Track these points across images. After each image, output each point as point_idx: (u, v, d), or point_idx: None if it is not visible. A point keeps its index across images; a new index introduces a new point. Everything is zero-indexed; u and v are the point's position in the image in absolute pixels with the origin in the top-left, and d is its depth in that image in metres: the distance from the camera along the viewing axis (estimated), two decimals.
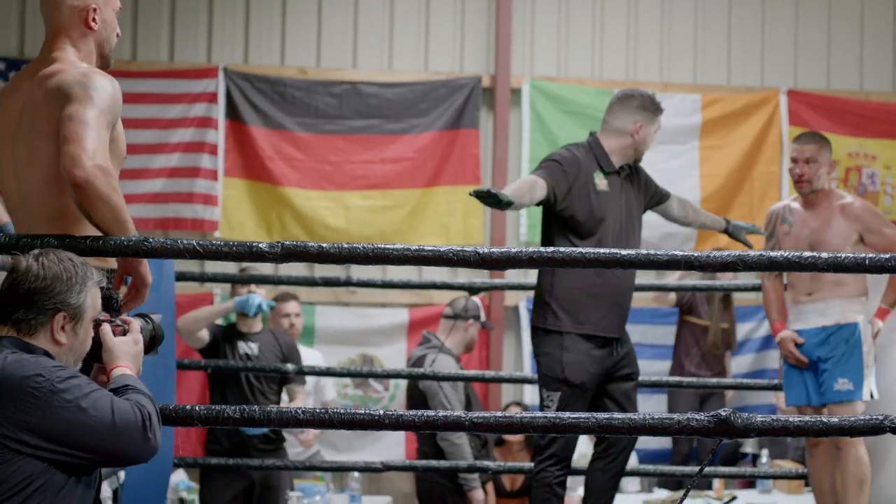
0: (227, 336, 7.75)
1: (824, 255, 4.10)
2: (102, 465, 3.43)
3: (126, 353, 3.57)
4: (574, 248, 4.14)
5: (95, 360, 3.57)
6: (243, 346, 7.68)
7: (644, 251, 4.11)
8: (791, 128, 10.35)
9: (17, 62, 9.51)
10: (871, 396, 6.45)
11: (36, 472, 3.24)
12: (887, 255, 4.08)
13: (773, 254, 4.12)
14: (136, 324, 3.64)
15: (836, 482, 6.51)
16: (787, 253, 4.13)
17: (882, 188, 10.50)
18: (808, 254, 4.11)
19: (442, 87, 10.09)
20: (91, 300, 3.48)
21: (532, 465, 6.31)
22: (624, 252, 4.08)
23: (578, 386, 5.91)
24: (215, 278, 7.53)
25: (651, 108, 6.26)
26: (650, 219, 6.83)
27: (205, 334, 7.66)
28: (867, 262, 4.11)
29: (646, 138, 6.26)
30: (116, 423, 3.29)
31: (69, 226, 3.96)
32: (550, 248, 4.09)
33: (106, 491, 6.20)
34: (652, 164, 10.16)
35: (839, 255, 4.11)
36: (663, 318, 10.12)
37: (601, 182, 6.10)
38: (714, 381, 8.81)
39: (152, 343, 3.81)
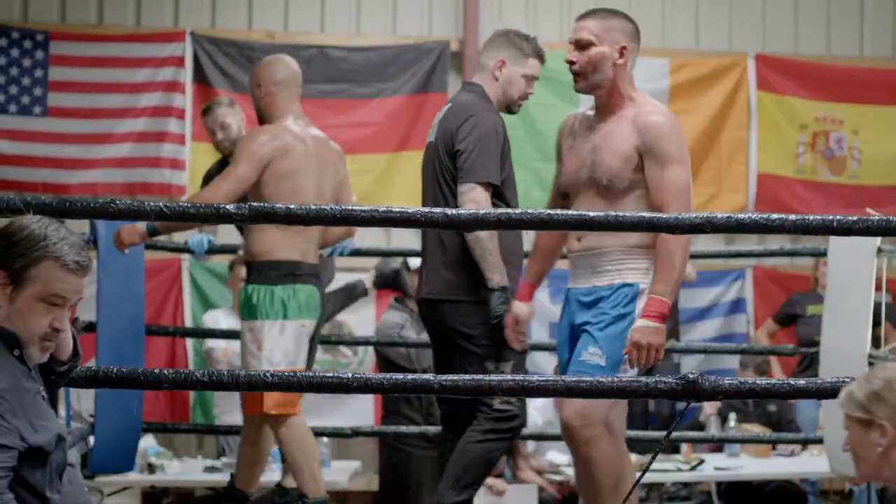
0: None
1: (774, 216, 4.03)
2: None
3: None
4: (543, 210, 4.10)
5: None
6: None
7: (613, 213, 4.09)
8: (759, 92, 10.37)
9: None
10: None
11: None
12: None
13: (741, 216, 4.09)
14: None
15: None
16: (755, 216, 4.11)
17: (849, 153, 10.51)
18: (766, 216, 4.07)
19: (410, 52, 10.05)
20: (44, 277, 3.24)
21: None
22: (593, 213, 4.07)
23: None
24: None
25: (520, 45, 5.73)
26: None
27: None
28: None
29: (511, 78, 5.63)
30: None
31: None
32: (519, 210, 4.08)
33: (74, 456, 6.18)
34: None
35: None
36: None
37: None
38: (681, 345, 8.85)
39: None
